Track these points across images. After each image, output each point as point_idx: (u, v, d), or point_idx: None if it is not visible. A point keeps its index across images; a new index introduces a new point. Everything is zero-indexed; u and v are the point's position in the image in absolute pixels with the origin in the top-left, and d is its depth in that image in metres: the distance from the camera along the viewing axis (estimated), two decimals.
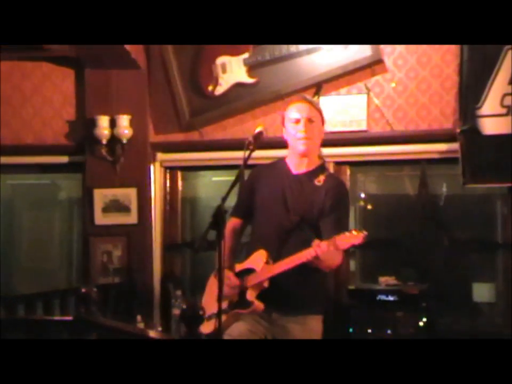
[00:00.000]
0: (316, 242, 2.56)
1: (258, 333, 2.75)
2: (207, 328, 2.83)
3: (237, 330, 2.74)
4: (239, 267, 2.85)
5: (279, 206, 2.78)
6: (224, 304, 2.69)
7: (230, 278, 2.75)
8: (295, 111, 2.79)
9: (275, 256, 2.73)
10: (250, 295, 2.73)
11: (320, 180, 2.77)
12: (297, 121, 2.77)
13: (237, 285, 2.75)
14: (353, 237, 2.54)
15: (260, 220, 2.86)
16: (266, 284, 2.72)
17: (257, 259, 2.77)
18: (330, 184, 2.78)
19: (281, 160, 2.88)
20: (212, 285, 2.88)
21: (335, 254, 2.60)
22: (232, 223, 2.90)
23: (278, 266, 2.69)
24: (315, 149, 2.84)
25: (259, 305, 2.73)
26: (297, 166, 2.83)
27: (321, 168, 2.85)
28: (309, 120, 2.76)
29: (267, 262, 2.73)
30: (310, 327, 2.78)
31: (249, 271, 2.77)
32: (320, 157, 2.89)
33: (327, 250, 2.52)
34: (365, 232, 2.56)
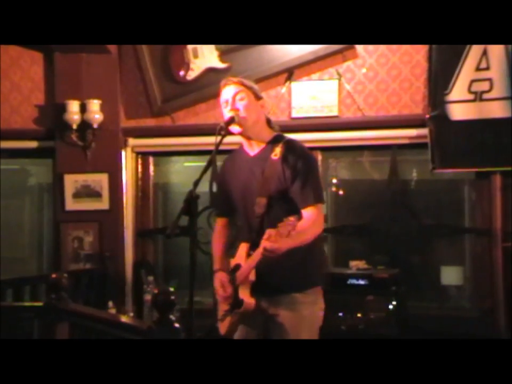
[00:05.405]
0: (266, 235, 2.45)
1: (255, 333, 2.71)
2: (221, 329, 2.74)
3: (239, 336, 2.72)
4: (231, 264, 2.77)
5: (247, 193, 2.71)
6: (226, 306, 2.69)
7: (224, 283, 2.69)
8: (223, 95, 2.71)
9: (257, 245, 2.60)
10: (242, 293, 2.65)
11: (276, 153, 2.66)
12: (226, 102, 2.69)
13: (230, 286, 2.68)
14: (291, 223, 2.41)
15: (238, 212, 2.80)
16: (252, 277, 2.63)
17: (241, 253, 2.71)
18: (287, 152, 2.65)
19: (240, 147, 2.76)
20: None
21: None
22: (219, 223, 2.89)
23: (248, 263, 2.62)
24: (254, 125, 2.70)
25: (249, 302, 2.65)
26: (250, 148, 2.75)
27: (275, 140, 2.71)
28: (234, 99, 2.67)
29: (248, 254, 2.66)
30: (300, 312, 2.64)
31: (238, 267, 2.70)
32: (273, 129, 2.77)
33: (276, 241, 2.41)
34: (295, 218, 2.44)
